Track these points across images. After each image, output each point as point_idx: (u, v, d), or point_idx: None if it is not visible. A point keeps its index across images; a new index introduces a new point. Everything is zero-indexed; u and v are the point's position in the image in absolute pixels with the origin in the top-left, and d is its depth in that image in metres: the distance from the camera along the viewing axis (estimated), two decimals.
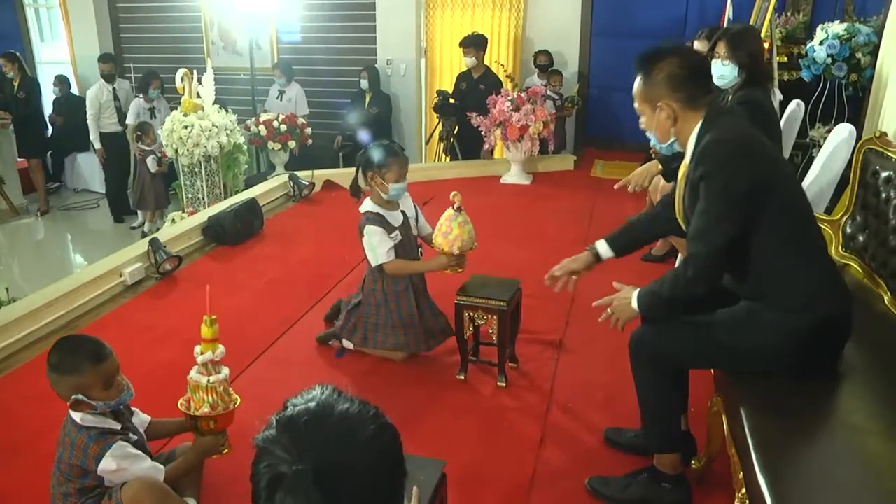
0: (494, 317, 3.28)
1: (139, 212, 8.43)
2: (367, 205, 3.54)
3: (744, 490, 2.07)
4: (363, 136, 8.44)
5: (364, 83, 8.56)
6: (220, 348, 2.48)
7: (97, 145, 8.86)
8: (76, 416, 2.28)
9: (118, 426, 2.34)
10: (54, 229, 9.07)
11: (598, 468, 2.80)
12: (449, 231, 3.27)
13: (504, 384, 3.41)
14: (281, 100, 8.80)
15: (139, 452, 2.33)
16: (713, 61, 3.94)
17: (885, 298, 3.00)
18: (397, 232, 3.51)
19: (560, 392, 3.39)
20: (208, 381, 2.44)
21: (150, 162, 7.75)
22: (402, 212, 3.62)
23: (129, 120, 8.35)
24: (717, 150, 2.33)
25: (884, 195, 3.13)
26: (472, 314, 3.32)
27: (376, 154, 3.47)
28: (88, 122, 8.80)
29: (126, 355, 3.67)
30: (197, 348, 2.47)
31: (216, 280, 4.82)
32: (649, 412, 2.62)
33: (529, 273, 4.51)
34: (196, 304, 4.35)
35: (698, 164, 2.37)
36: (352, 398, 1.22)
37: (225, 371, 2.51)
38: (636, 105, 2.56)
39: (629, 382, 2.65)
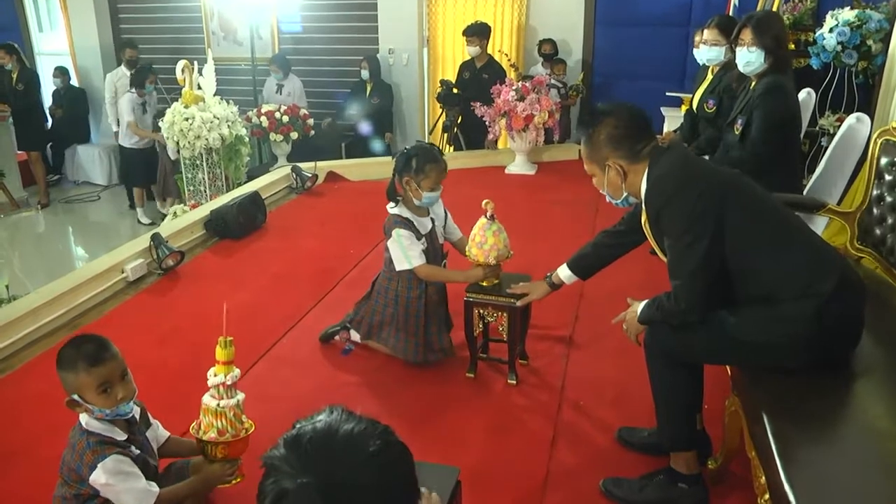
0: (505, 314, 3.22)
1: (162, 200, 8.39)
2: (397, 207, 3.39)
3: (767, 496, 2.02)
4: (364, 127, 8.42)
5: (365, 73, 8.52)
6: (235, 372, 2.40)
7: (115, 128, 8.83)
8: (83, 418, 2.22)
9: (123, 437, 2.25)
10: (55, 222, 9.02)
11: (611, 468, 2.75)
12: (484, 241, 3.19)
13: (514, 382, 3.36)
14: (280, 94, 8.75)
15: (134, 470, 2.21)
16: (738, 49, 3.89)
17: None
18: (424, 239, 3.39)
19: (571, 389, 3.34)
20: (218, 405, 2.37)
21: (171, 150, 7.73)
22: (432, 219, 3.48)
23: (126, 116, 8.23)
24: (661, 186, 2.42)
25: None
26: (481, 311, 3.26)
27: (415, 158, 3.31)
28: (106, 106, 8.90)
29: (129, 354, 3.64)
30: (211, 370, 2.39)
31: (219, 275, 4.78)
32: (664, 409, 2.57)
33: (537, 266, 4.44)
34: (199, 301, 4.33)
35: (650, 205, 2.47)
36: (360, 418, 1.23)
37: (239, 396, 2.43)
38: (586, 167, 2.64)
39: (640, 379, 2.63)
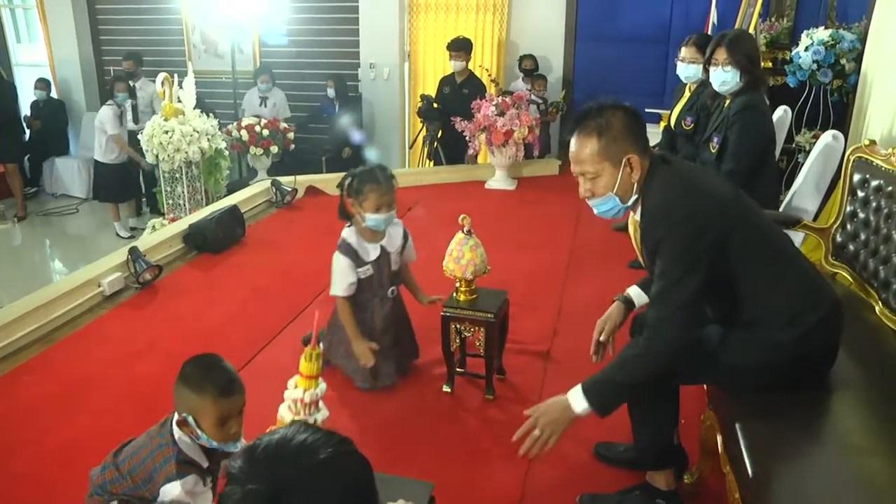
0: (482, 329, 3.22)
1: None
2: (347, 231, 3.35)
3: None
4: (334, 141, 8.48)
5: (331, 91, 8.57)
6: (318, 388, 2.20)
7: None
8: (178, 434, 2.12)
9: (205, 464, 2.15)
10: (32, 235, 8.96)
11: (588, 484, 2.75)
12: (461, 256, 3.18)
13: (492, 397, 3.36)
14: (265, 106, 8.73)
15: (205, 492, 2.13)
16: (712, 68, 3.94)
17: (876, 308, 2.98)
18: (369, 266, 3.33)
19: None
20: (292, 421, 2.07)
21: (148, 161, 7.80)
22: (382, 246, 3.38)
23: (109, 130, 8.17)
24: (667, 212, 2.28)
25: (874, 204, 3.11)
26: (458, 326, 3.26)
27: (356, 179, 3.25)
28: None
29: (104, 368, 3.65)
30: (291, 380, 2.22)
31: (197, 289, 4.76)
32: (641, 428, 2.57)
33: (516, 281, 4.48)
34: (177, 315, 4.31)
35: (651, 228, 2.34)
36: (319, 430, 1.24)
37: (318, 416, 2.21)
38: (586, 168, 2.37)
39: None
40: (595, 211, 2.48)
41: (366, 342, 3.27)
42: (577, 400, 2.33)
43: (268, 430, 1.38)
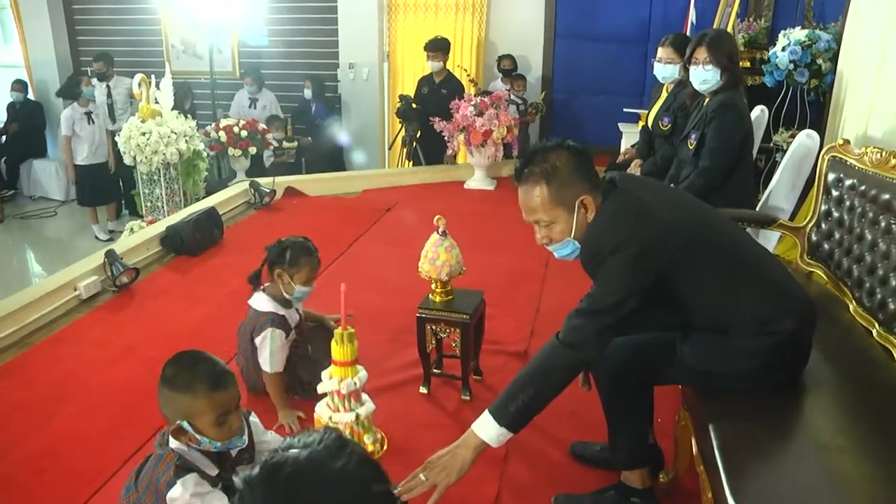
0: (457, 330, 3.21)
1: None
2: (266, 302, 3.24)
3: None
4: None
5: (308, 92, 8.59)
6: (357, 375, 1.97)
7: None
8: (174, 444, 1.98)
9: (215, 472, 2.00)
10: (10, 238, 8.87)
11: (564, 484, 2.74)
12: (436, 257, 3.16)
13: (468, 398, 3.35)
14: (254, 108, 8.72)
15: (214, 492, 1.97)
16: (693, 67, 3.95)
17: (850, 306, 2.99)
18: (293, 332, 3.30)
19: None
20: (330, 419, 1.95)
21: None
22: (297, 309, 3.38)
23: (63, 130, 8.12)
24: (595, 246, 2.26)
25: (848, 203, 3.12)
26: (434, 327, 3.25)
27: (289, 251, 3.22)
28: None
29: (81, 373, 3.63)
30: (325, 372, 2.02)
31: (175, 292, 4.73)
32: (615, 427, 2.57)
33: (494, 282, 4.48)
34: (154, 318, 4.28)
35: (587, 261, 2.33)
36: (351, 452, 1.09)
37: (361, 409, 1.99)
38: (539, 216, 2.31)
39: (595, 394, 2.62)
40: (556, 255, 2.43)
41: (292, 412, 3.21)
42: (482, 424, 2.29)
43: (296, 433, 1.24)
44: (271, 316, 3.20)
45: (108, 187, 8.52)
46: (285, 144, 8.44)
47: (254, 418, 2.21)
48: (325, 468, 1.06)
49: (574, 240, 2.32)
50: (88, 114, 8.14)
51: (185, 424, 1.92)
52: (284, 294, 3.23)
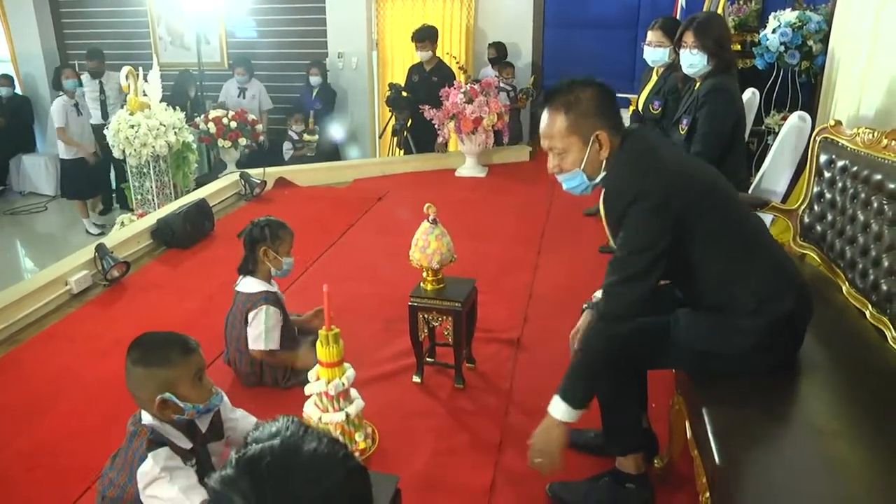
0: (449, 318, 3.20)
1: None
2: (257, 283, 3.34)
3: (707, 494, 2.02)
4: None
5: (315, 79, 8.54)
6: (345, 375, 1.98)
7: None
8: (147, 418, 2.07)
9: (188, 445, 2.10)
10: (0, 235, 8.81)
11: (560, 471, 2.73)
12: (427, 245, 3.14)
13: (461, 386, 3.34)
14: (243, 97, 8.68)
15: (183, 468, 2.03)
16: (681, 51, 3.94)
17: (843, 288, 2.98)
18: (282, 312, 3.38)
19: (519, 392, 3.33)
20: (319, 419, 1.96)
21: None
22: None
23: (56, 122, 8.09)
24: (628, 188, 2.25)
25: (840, 184, 3.11)
26: (426, 316, 3.23)
27: (267, 227, 3.35)
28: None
29: (73, 368, 3.60)
30: (311, 372, 2.03)
31: (166, 285, 4.71)
32: (609, 413, 2.55)
33: (486, 269, 4.47)
34: (145, 312, 4.26)
35: (614, 199, 2.32)
36: (319, 435, 1.10)
37: (350, 408, 2.01)
38: (554, 143, 2.35)
39: None
40: (563, 186, 2.45)
41: (303, 349, 3.29)
42: (555, 407, 2.34)
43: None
44: (264, 294, 3.29)
45: (94, 181, 8.46)
46: (306, 137, 8.42)
47: (224, 398, 2.30)
48: (301, 452, 1.07)
49: (583, 172, 2.36)
50: (76, 105, 8.11)
51: (169, 396, 2.01)
52: (272, 270, 3.34)
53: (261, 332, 3.24)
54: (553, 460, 2.36)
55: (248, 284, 3.34)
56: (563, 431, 2.34)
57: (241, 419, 2.36)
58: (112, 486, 2.09)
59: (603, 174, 2.36)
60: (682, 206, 2.20)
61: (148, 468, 1.98)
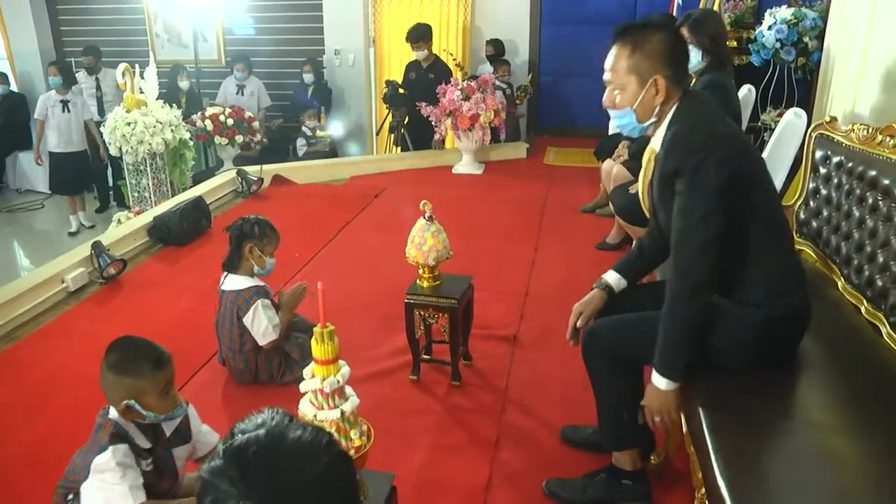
0: (446, 315, 3.20)
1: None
2: (244, 280, 3.35)
3: (703, 490, 2.02)
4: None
5: (308, 77, 8.55)
6: (340, 372, 1.91)
7: None
8: (114, 414, 2.14)
9: (148, 445, 2.17)
10: None
11: (555, 468, 2.74)
12: (423, 242, 3.14)
13: (458, 383, 3.34)
14: (241, 94, 8.68)
15: (135, 469, 2.10)
16: None
17: (839, 284, 2.99)
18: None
19: (515, 389, 3.33)
20: (315, 417, 1.89)
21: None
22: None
23: (36, 114, 8.13)
24: (691, 140, 2.20)
25: (835, 180, 3.11)
26: (422, 313, 3.23)
27: (256, 225, 3.37)
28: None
29: (70, 366, 3.60)
30: (306, 370, 1.97)
31: (162, 283, 4.70)
32: (605, 409, 2.55)
33: (483, 266, 4.48)
34: (142, 310, 4.26)
35: (670, 155, 2.24)
36: (303, 425, 1.13)
37: (345, 406, 1.93)
38: (614, 77, 2.34)
39: (585, 376, 2.59)
40: (614, 123, 2.44)
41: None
42: (658, 381, 2.30)
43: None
44: (254, 289, 3.31)
45: (80, 177, 8.41)
46: (318, 133, 8.43)
47: (192, 409, 2.37)
48: (286, 440, 1.09)
49: (634, 112, 2.34)
50: (65, 102, 8.03)
51: (133, 403, 2.09)
52: (255, 269, 3.36)
53: (266, 326, 3.27)
54: (672, 416, 2.32)
55: (235, 282, 3.35)
56: (674, 394, 2.29)
57: (206, 434, 2.42)
58: (73, 470, 2.17)
59: (653, 120, 2.35)
60: (741, 171, 2.17)
61: (105, 459, 2.06)
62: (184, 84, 8.55)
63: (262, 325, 3.27)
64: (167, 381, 2.14)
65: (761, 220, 2.24)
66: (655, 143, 2.40)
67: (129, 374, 2.10)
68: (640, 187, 2.52)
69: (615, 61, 2.33)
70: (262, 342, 3.30)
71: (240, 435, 1.11)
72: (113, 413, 2.14)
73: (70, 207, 8.43)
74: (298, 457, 1.08)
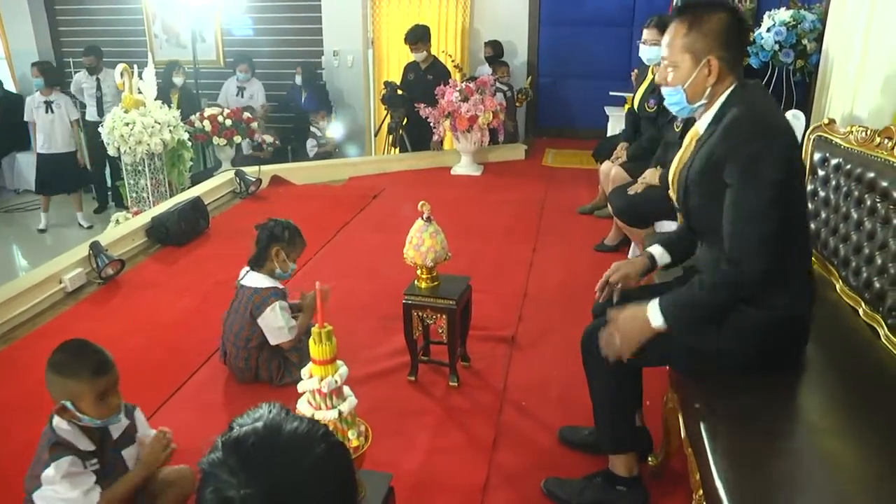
0: (443, 316, 3.20)
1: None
2: (264, 279, 3.38)
3: (700, 491, 2.02)
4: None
5: (298, 79, 8.54)
6: (338, 373, 1.92)
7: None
8: (55, 420, 2.17)
9: (91, 448, 2.19)
10: None
11: (553, 469, 2.74)
12: (421, 243, 3.14)
13: (456, 384, 3.34)
14: (241, 96, 8.67)
15: (86, 479, 2.16)
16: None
17: (837, 286, 2.99)
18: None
19: (513, 390, 3.33)
20: (313, 416, 1.88)
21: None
22: None
23: (25, 117, 8.18)
24: (749, 129, 2.15)
25: (834, 182, 3.11)
26: (420, 314, 3.23)
27: (287, 230, 3.43)
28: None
29: None
30: (304, 370, 1.97)
31: (160, 283, 4.70)
32: (602, 411, 2.55)
33: (480, 267, 4.48)
34: (139, 310, 4.25)
35: (724, 141, 2.18)
36: (300, 417, 1.17)
37: (343, 406, 1.94)
38: (669, 54, 2.31)
39: (583, 378, 2.59)
40: (666, 100, 2.41)
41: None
42: (654, 315, 2.27)
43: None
44: (273, 290, 3.34)
45: (64, 178, 8.41)
46: (328, 134, 8.43)
47: (139, 413, 2.42)
48: (283, 432, 1.12)
49: (684, 91, 2.30)
50: (48, 103, 8.07)
51: (69, 404, 2.12)
52: (277, 271, 3.39)
53: (282, 326, 3.29)
54: (630, 345, 2.29)
55: (255, 279, 3.37)
56: (650, 330, 2.28)
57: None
58: (28, 482, 2.21)
59: (703, 101, 2.31)
60: (796, 166, 2.17)
61: (51, 475, 2.11)
62: (178, 80, 8.51)
63: (277, 323, 3.29)
64: (106, 388, 2.15)
65: (797, 224, 2.22)
66: (701, 126, 2.36)
67: (68, 377, 2.13)
68: (673, 169, 2.47)
69: (672, 38, 2.30)
70: (274, 341, 3.32)
71: (237, 427, 1.14)
72: (55, 420, 2.17)
73: (43, 205, 8.47)
74: (295, 446, 1.11)
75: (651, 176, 4.39)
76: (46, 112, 8.08)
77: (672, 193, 2.47)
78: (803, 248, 2.31)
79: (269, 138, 8.36)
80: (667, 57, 2.32)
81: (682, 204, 2.42)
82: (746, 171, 2.11)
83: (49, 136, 8.17)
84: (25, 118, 8.14)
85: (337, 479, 1.13)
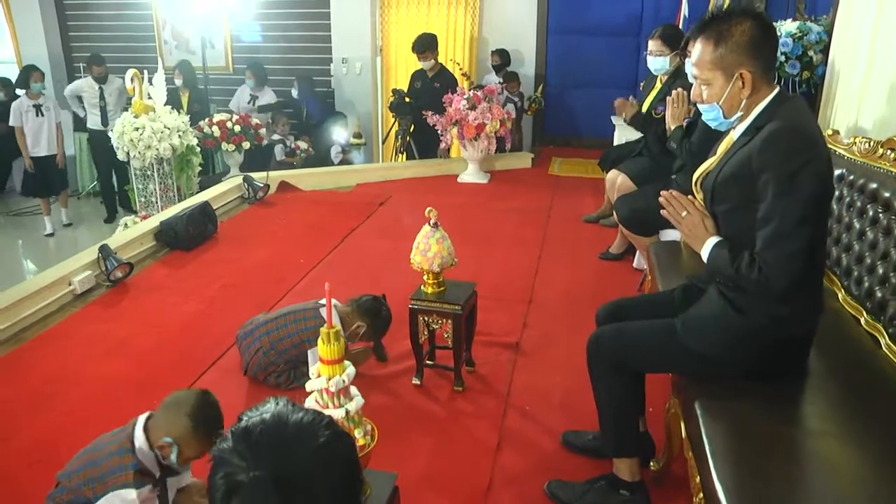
0: (449, 321, 3.23)
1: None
2: (336, 320, 3.37)
3: (700, 494, 2.05)
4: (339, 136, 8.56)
5: (294, 92, 8.63)
6: (346, 373, 1.95)
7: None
8: (141, 440, 2.25)
9: (157, 474, 2.29)
10: (3, 235, 8.82)
11: (556, 472, 2.76)
12: (427, 248, 3.17)
13: (461, 388, 3.37)
14: (253, 105, 8.71)
15: (154, 498, 2.28)
16: (687, 61, 3.94)
17: (839, 295, 3.01)
18: None
19: (517, 395, 3.36)
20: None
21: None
22: None
23: (11, 122, 8.20)
24: (791, 143, 2.11)
25: (837, 193, 3.13)
26: (426, 318, 3.27)
27: (382, 321, 3.46)
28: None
29: (75, 368, 3.63)
30: (312, 369, 2.00)
31: (168, 286, 4.73)
32: (606, 416, 2.57)
33: (487, 274, 4.51)
34: (147, 313, 4.29)
35: (764, 153, 2.13)
36: (306, 409, 1.22)
37: (350, 405, 1.96)
38: (699, 73, 2.28)
39: (587, 383, 2.61)
40: (703, 116, 2.40)
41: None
42: (708, 248, 2.30)
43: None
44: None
45: (50, 181, 8.49)
46: (352, 141, 8.49)
47: None
48: (290, 422, 1.18)
49: (720, 107, 2.29)
50: (37, 106, 8.14)
51: (175, 448, 2.22)
52: (353, 330, 3.39)
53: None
54: (683, 231, 2.37)
55: (334, 314, 3.34)
56: (697, 245, 2.33)
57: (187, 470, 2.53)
58: (73, 474, 2.28)
59: (739, 114, 2.28)
60: (831, 181, 2.17)
61: (130, 498, 2.18)
62: (178, 81, 8.55)
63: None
64: (207, 449, 2.20)
65: (818, 237, 2.20)
66: (735, 133, 2.35)
67: (202, 434, 2.21)
68: (699, 175, 2.46)
69: (700, 56, 2.27)
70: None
71: (246, 419, 1.21)
72: (139, 444, 2.23)
73: (44, 209, 8.53)
74: (300, 435, 1.17)
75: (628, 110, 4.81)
76: (37, 115, 8.16)
77: (697, 196, 2.46)
78: (821, 263, 2.32)
79: (303, 144, 8.40)
80: (697, 75, 2.30)
81: (708, 209, 2.39)
82: (783, 186, 2.09)
83: (37, 138, 8.25)
84: (12, 123, 8.16)
85: (343, 467, 1.18)
